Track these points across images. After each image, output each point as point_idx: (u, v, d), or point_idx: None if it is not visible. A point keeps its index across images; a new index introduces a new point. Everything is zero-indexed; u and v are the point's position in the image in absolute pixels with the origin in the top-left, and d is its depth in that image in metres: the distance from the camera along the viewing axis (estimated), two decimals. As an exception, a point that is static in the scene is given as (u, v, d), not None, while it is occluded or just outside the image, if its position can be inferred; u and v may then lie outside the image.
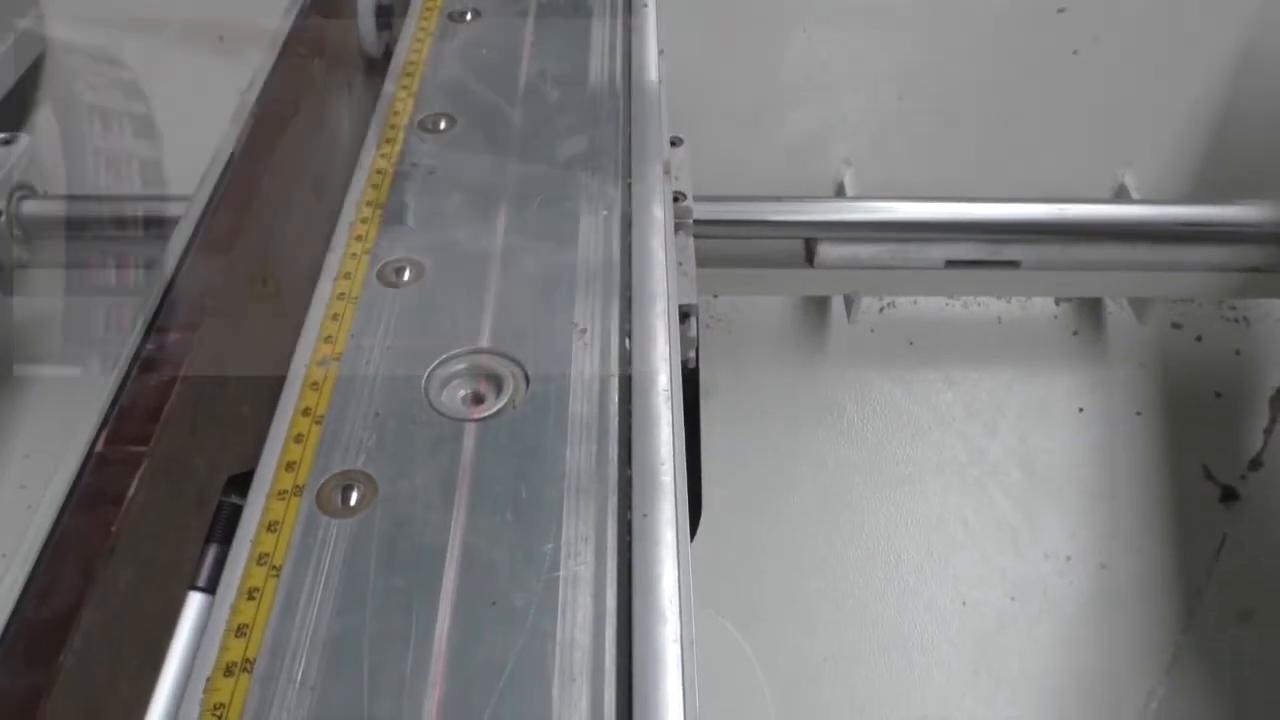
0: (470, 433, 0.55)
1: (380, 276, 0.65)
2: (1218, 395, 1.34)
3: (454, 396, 0.58)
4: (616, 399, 0.56)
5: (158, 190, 1.19)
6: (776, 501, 1.26)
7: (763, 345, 1.33)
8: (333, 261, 0.67)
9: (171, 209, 1.14)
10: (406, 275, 0.65)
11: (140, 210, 1.19)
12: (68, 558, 0.48)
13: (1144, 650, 1.22)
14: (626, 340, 0.61)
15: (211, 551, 0.57)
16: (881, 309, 1.35)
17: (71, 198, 1.22)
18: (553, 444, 0.54)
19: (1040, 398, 1.34)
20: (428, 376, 0.58)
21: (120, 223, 1.20)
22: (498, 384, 0.58)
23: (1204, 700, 1.19)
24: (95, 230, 1.20)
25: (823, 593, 1.22)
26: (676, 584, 0.48)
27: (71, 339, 1.31)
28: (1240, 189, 1.30)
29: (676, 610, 0.47)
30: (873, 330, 1.35)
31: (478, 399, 0.58)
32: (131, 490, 0.51)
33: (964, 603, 1.23)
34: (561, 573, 0.48)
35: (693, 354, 0.93)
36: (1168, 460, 1.31)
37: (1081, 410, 1.33)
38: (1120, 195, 1.37)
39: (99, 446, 0.53)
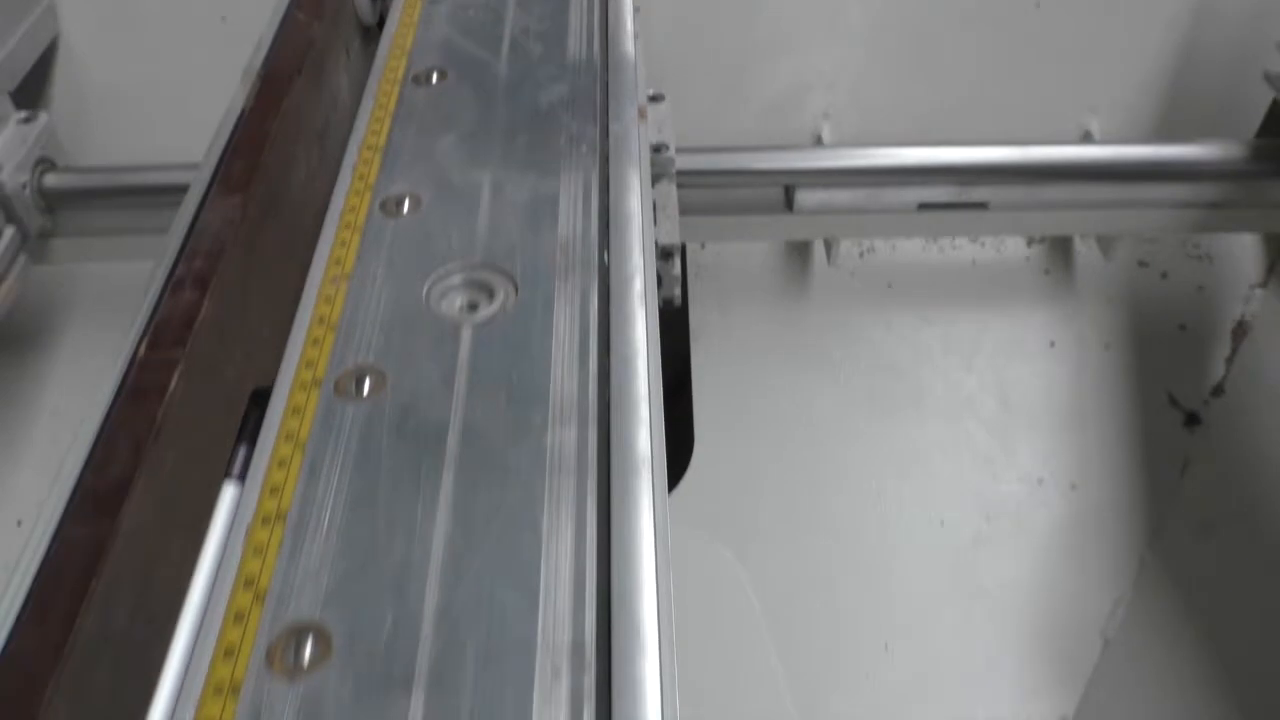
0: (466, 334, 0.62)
1: (382, 208, 0.73)
2: (1182, 328, 1.40)
3: (452, 304, 0.65)
4: (596, 300, 0.64)
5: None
6: (765, 436, 1.33)
7: (748, 290, 1.40)
8: (339, 197, 0.74)
9: (184, 176, 1.21)
10: (405, 206, 0.72)
11: (156, 179, 1.27)
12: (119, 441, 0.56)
13: (1112, 562, 1.29)
14: (605, 254, 0.68)
15: (241, 450, 0.65)
16: (861, 254, 1.42)
17: (89, 170, 1.30)
18: (540, 339, 0.61)
19: (1014, 334, 1.41)
20: (428, 288, 0.65)
21: (137, 191, 1.27)
22: (490, 292, 0.65)
23: (1167, 605, 1.27)
24: (112, 199, 1.28)
25: (809, 517, 1.30)
26: (649, 442, 0.55)
27: (93, 301, 1.39)
28: (1199, 132, 1.36)
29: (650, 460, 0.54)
30: (853, 274, 1.41)
31: (473, 306, 0.65)
32: (171, 386, 0.58)
33: (942, 523, 1.30)
34: (549, 438, 0.55)
35: (678, 291, 1.01)
36: (1135, 389, 1.38)
37: (1053, 344, 1.40)
38: (1086, 140, 1.43)
39: (141, 352, 0.60)
